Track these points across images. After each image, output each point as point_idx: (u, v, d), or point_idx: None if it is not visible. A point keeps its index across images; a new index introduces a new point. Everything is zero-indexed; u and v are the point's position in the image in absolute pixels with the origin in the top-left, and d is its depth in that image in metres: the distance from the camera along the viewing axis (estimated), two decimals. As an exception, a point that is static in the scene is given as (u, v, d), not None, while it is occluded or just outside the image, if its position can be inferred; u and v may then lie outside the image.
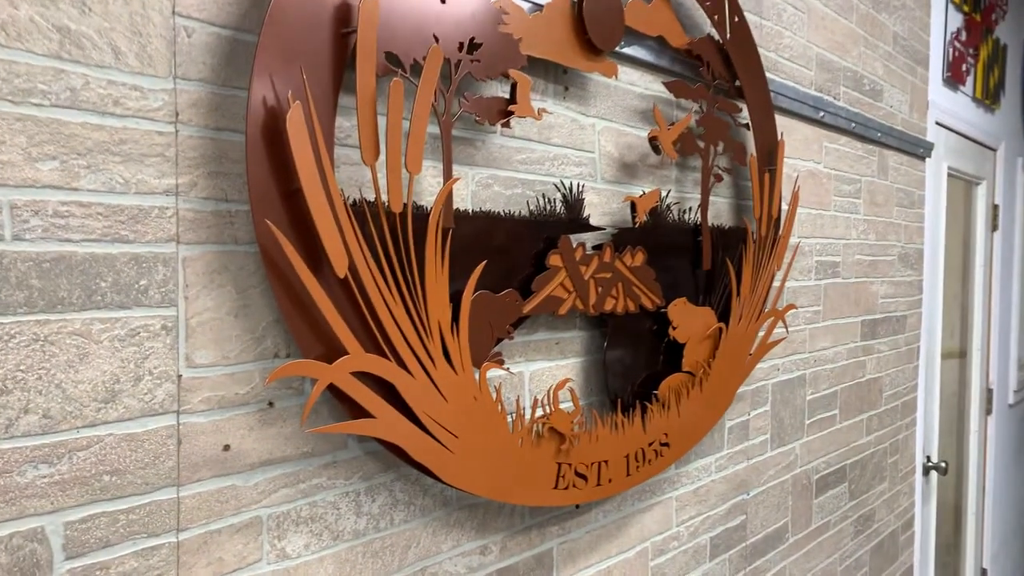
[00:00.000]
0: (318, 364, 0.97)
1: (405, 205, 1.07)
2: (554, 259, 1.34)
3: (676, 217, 1.67)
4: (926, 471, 3.22)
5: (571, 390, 1.35)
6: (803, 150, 2.21)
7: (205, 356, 0.95)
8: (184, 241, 0.93)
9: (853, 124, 2.43)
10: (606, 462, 1.43)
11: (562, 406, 1.40)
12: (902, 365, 2.92)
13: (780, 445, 2.16)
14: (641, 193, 1.55)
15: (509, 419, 1.26)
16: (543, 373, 1.42)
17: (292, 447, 1.05)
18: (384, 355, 1.05)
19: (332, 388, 1.04)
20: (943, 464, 3.26)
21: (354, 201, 1.05)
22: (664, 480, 1.74)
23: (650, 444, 1.53)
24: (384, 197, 1.08)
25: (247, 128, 0.92)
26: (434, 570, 1.24)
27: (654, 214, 1.58)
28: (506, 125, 1.25)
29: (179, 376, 0.93)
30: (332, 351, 1.00)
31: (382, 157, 1.09)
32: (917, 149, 2.91)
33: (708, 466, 1.88)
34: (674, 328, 1.61)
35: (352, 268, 1.00)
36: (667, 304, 1.59)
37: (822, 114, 2.25)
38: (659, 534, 1.73)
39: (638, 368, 1.59)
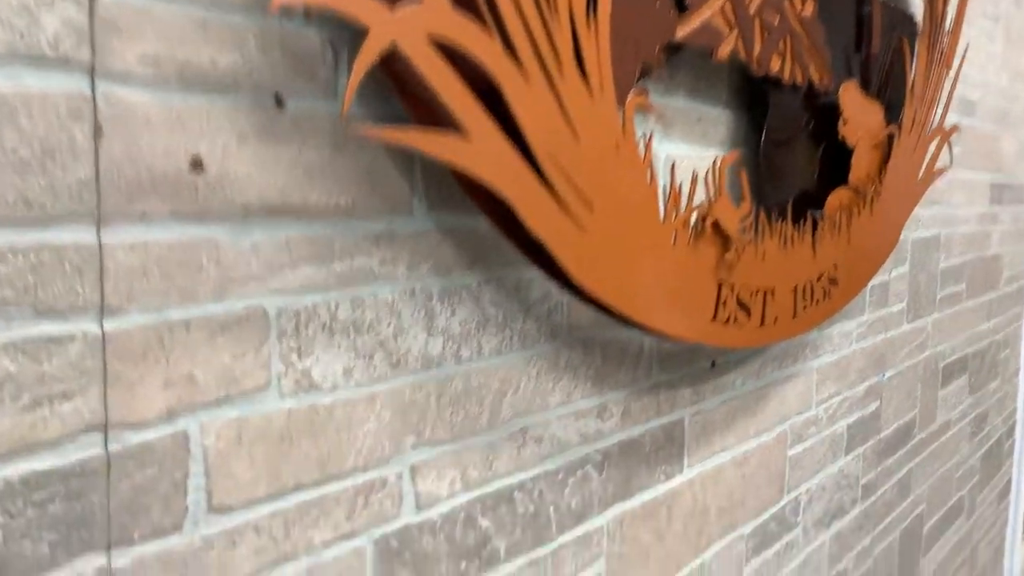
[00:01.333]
0: (373, 4, 0.50)
1: None
2: (714, -33, 0.86)
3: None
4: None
5: (742, 172, 0.87)
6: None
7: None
8: None
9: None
10: (772, 292, 0.97)
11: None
12: (1022, 245, 2.46)
13: (915, 318, 1.71)
14: (811, -87, 1.05)
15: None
16: (681, 162, 0.95)
17: (317, 190, 0.58)
18: (485, 25, 0.57)
19: (392, 70, 0.56)
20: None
21: None
22: (806, 344, 1.29)
23: (819, 278, 1.07)
24: None
25: None
26: (538, 433, 0.79)
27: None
28: None
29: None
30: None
31: None
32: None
33: (849, 333, 1.43)
34: (844, 122, 1.14)
35: None
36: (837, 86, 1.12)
37: None
38: (799, 413, 1.28)
39: (795, 176, 1.12)
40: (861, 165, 1.18)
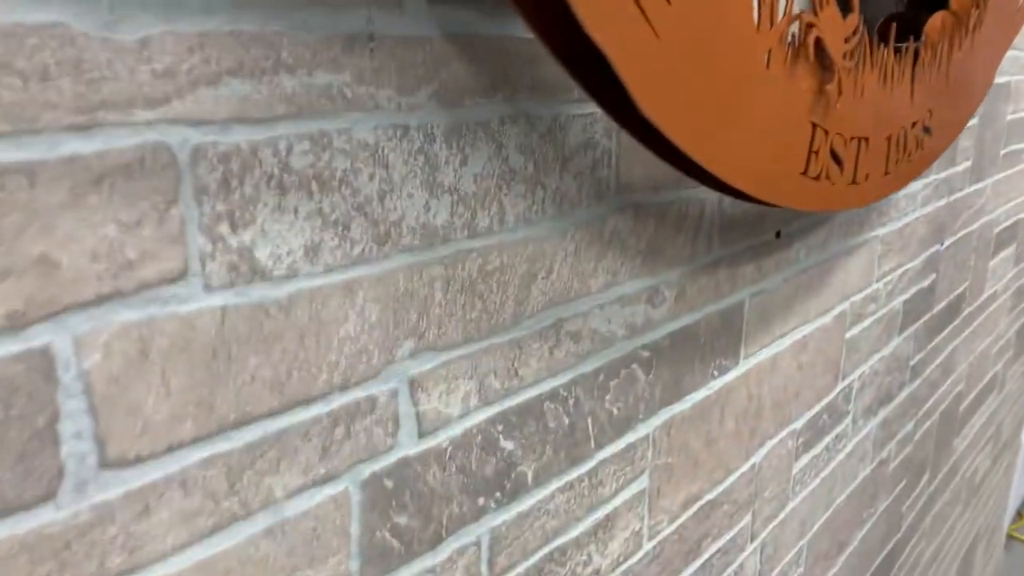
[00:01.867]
0: None
1: None
2: None
3: None
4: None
5: (852, -34, 0.64)
6: None
7: None
8: None
9: None
10: (866, 140, 0.75)
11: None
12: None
13: (977, 180, 1.50)
14: None
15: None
16: (761, -41, 0.71)
17: (249, -42, 0.35)
18: None
19: None
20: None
21: None
22: (872, 209, 1.09)
23: (913, 124, 0.85)
24: None
25: None
26: (575, 327, 0.60)
27: None
28: None
29: None
30: None
31: None
32: None
33: (915, 195, 1.22)
34: (954, -80, 0.88)
35: None
36: None
37: None
38: (860, 291, 1.10)
39: (880, 10, 0.88)
40: (964, -16, 0.94)
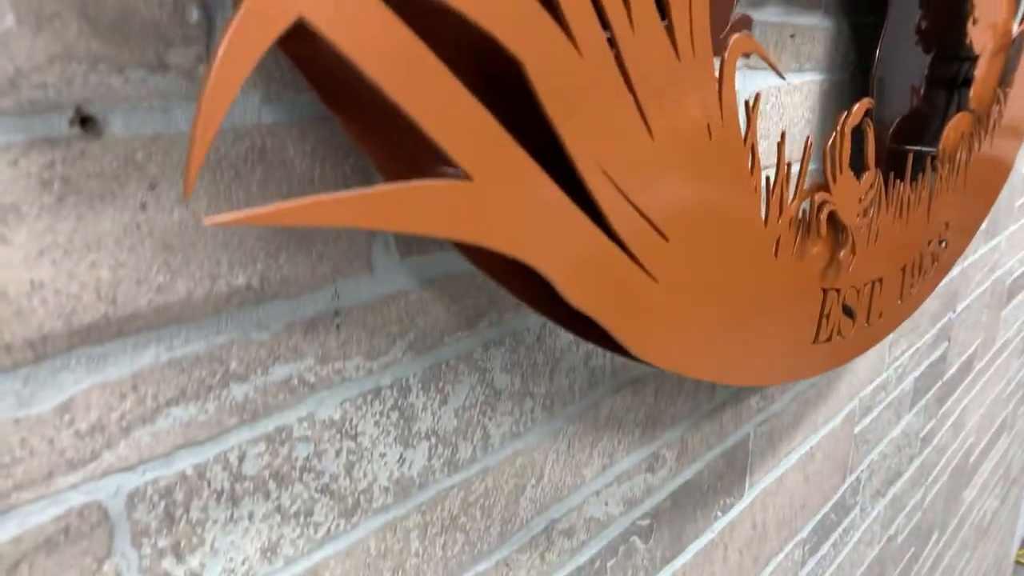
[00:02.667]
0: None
1: None
2: None
3: None
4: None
5: (867, 126, 0.59)
6: None
7: None
8: None
9: None
10: (880, 281, 0.71)
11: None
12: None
13: (991, 237, 1.45)
14: None
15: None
16: (771, 99, 0.67)
17: (186, 273, 0.31)
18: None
19: (300, 54, 0.29)
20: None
21: None
22: (883, 299, 1.04)
23: (929, 243, 0.81)
24: None
25: None
26: (568, 524, 0.56)
27: None
28: None
29: None
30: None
31: None
32: None
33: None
34: (974, 21, 0.83)
35: None
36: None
37: None
38: (870, 382, 1.06)
39: (904, 94, 0.84)
40: (983, 79, 0.89)
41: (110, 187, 0.28)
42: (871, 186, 0.60)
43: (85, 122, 0.27)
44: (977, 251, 1.39)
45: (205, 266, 0.31)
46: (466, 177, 0.29)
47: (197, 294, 0.31)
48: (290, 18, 0.23)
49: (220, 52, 0.21)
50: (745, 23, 0.47)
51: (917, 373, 1.24)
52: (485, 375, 0.46)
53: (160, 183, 0.29)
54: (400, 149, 0.31)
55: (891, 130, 0.83)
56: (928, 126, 0.88)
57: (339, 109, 0.30)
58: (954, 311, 1.36)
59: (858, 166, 0.59)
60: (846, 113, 0.55)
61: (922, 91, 0.88)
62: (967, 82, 0.88)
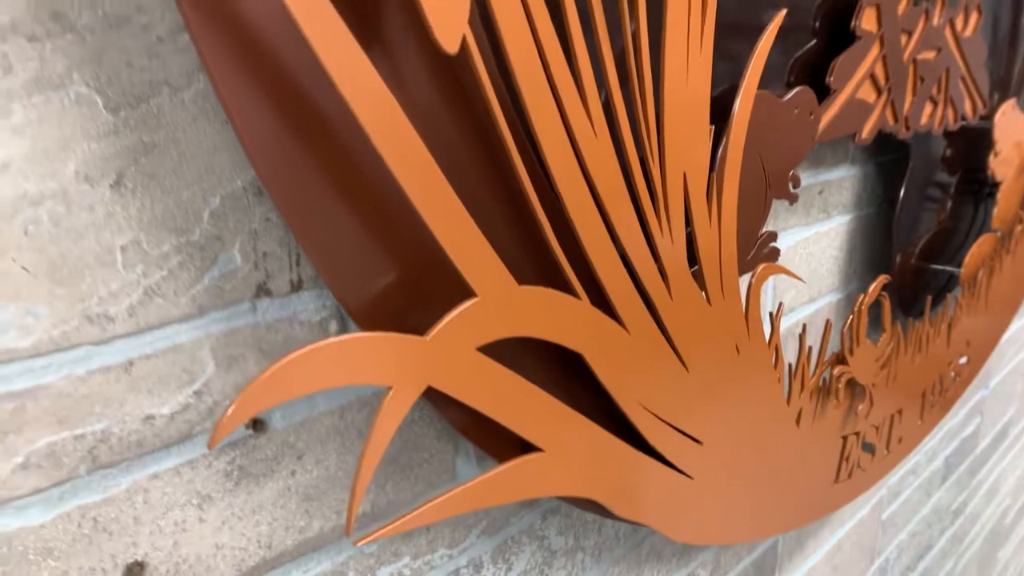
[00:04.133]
0: (394, 341, 0.30)
1: None
2: (868, 17, 0.62)
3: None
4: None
5: (884, 298, 0.66)
6: None
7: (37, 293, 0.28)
8: None
9: None
10: (900, 412, 0.78)
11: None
12: None
13: (1021, 314, 1.49)
14: None
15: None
16: (798, 252, 0.74)
17: (320, 513, 0.40)
18: (560, 278, 0.37)
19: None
20: None
21: None
22: (912, 393, 1.10)
23: (949, 363, 0.87)
24: None
25: None
26: (613, 650, 0.64)
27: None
28: None
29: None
30: (415, 286, 0.33)
31: None
32: None
33: (958, 360, 1.23)
34: (995, 155, 0.90)
35: (486, 23, 0.30)
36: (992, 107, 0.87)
37: None
38: (896, 470, 1.11)
39: (923, 228, 0.90)
40: (1005, 202, 0.95)
41: (271, 466, 0.37)
42: (888, 342, 0.68)
43: (256, 424, 0.36)
44: (1011, 327, 1.43)
45: (333, 505, 0.40)
46: (540, 450, 0.38)
47: (327, 528, 0.40)
48: (421, 388, 0.31)
49: (371, 431, 0.30)
50: (771, 239, 0.55)
51: (948, 451, 1.29)
52: (543, 541, 0.54)
53: (305, 454, 0.38)
54: (496, 435, 0.39)
55: (917, 248, 0.90)
56: (952, 245, 0.95)
57: (454, 419, 0.39)
58: (987, 387, 1.40)
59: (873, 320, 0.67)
60: (863, 295, 0.62)
61: (947, 210, 0.94)
62: (991, 203, 0.94)
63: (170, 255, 0.32)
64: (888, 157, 0.84)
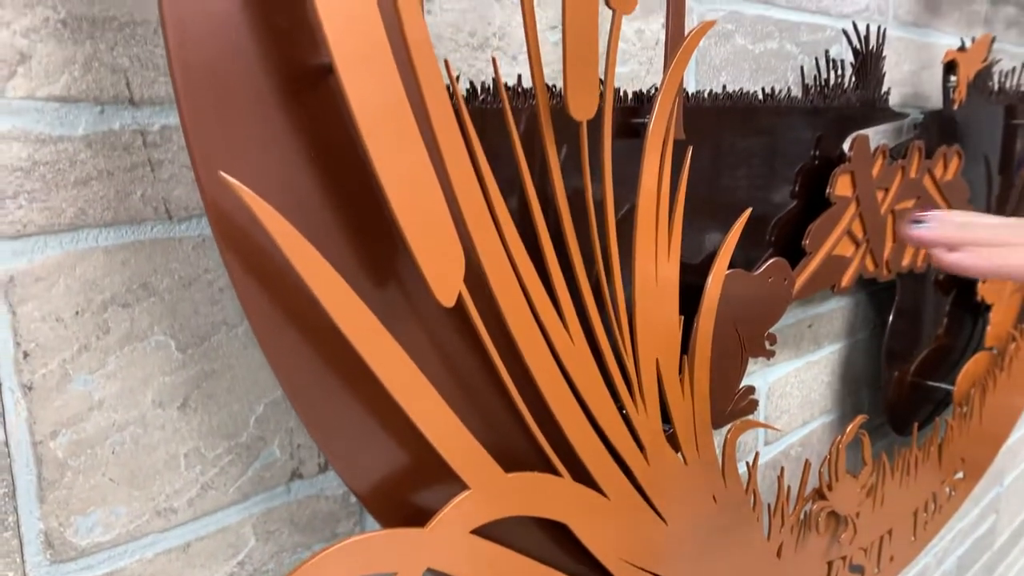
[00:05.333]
0: (398, 536, 0.37)
1: (601, 99, 0.42)
2: (843, 183, 0.69)
3: (996, 85, 0.96)
4: None
5: (863, 435, 0.72)
6: None
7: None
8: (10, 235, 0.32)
9: None
10: (890, 532, 0.82)
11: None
12: None
13: (1040, 409, 1.51)
14: (960, 46, 0.84)
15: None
16: (789, 382, 0.80)
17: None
18: (544, 460, 0.44)
19: None
20: None
21: (471, 90, 0.40)
22: (917, 498, 1.14)
23: (943, 482, 0.92)
24: (548, 80, 0.43)
25: None
26: None
27: (974, 84, 0.88)
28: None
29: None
30: (418, 476, 0.40)
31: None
32: None
33: (967, 462, 1.26)
34: (984, 281, 0.95)
35: (474, 272, 0.38)
36: (977, 241, 0.93)
37: None
38: (903, 574, 1.14)
39: (919, 344, 0.95)
40: (999, 321, 1.00)
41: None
42: (869, 473, 0.73)
43: None
44: (1019, 430, 1.45)
45: None
46: (526, 608, 0.44)
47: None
48: (421, 571, 0.38)
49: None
50: (749, 392, 0.61)
51: (961, 551, 1.31)
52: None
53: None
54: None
55: (913, 366, 0.95)
56: (949, 361, 0.99)
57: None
58: (1001, 485, 1.42)
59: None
60: (839, 436, 0.68)
61: (944, 327, 0.99)
62: (984, 322, 0.99)
63: (222, 455, 0.39)
64: (880, 285, 0.89)
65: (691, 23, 0.60)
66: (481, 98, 0.41)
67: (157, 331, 0.36)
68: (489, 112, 0.40)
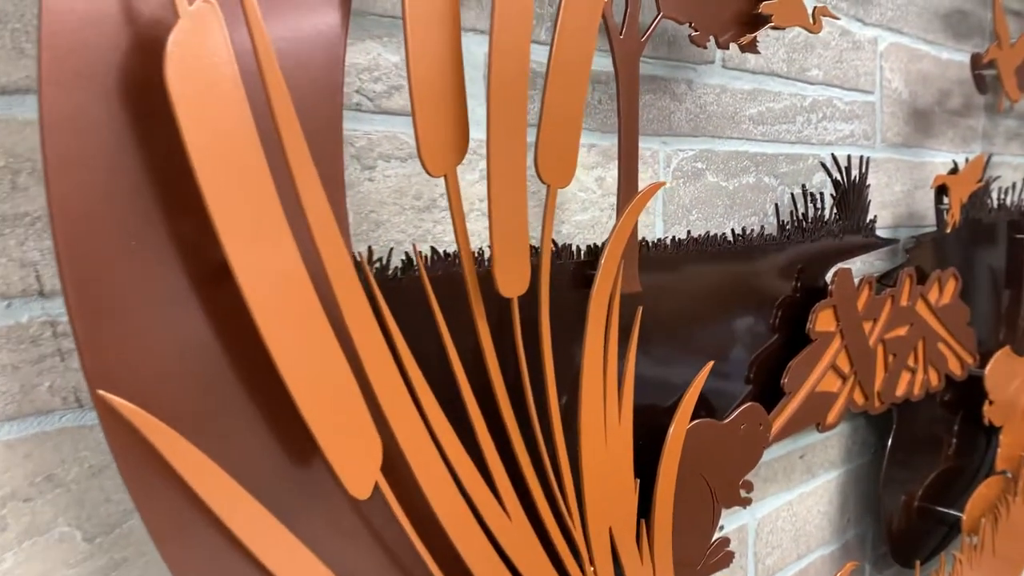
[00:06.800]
0: None
1: (536, 272, 0.41)
2: (824, 318, 0.67)
3: (994, 204, 0.94)
4: None
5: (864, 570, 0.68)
6: None
7: None
8: None
9: None
10: None
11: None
12: None
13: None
14: (953, 168, 0.83)
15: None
16: (780, 516, 0.76)
17: None
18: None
19: None
20: None
21: (393, 273, 0.40)
22: None
23: (954, 620, 0.86)
24: (479, 250, 0.42)
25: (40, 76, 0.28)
26: None
27: (970, 204, 0.86)
28: (749, 48, 0.56)
29: None
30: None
31: (470, 153, 0.43)
32: None
33: None
34: (990, 403, 0.91)
35: (392, 455, 0.36)
36: (981, 361, 0.89)
37: None
38: None
39: (923, 470, 0.91)
40: (1010, 443, 0.95)
41: None
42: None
43: None
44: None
45: None
46: None
47: None
48: None
49: None
50: (724, 544, 0.58)
51: None
52: None
53: None
54: None
55: (920, 490, 0.90)
56: (959, 484, 0.95)
57: None
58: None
59: None
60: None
61: (953, 448, 0.95)
62: (995, 444, 0.95)
63: (132, 647, 0.37)
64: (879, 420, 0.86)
65: (658, 166, 0.59)
66: (424, 266, 0.40)
67: (61, 522, 0.35)
68: (415, 286, 0.39)
